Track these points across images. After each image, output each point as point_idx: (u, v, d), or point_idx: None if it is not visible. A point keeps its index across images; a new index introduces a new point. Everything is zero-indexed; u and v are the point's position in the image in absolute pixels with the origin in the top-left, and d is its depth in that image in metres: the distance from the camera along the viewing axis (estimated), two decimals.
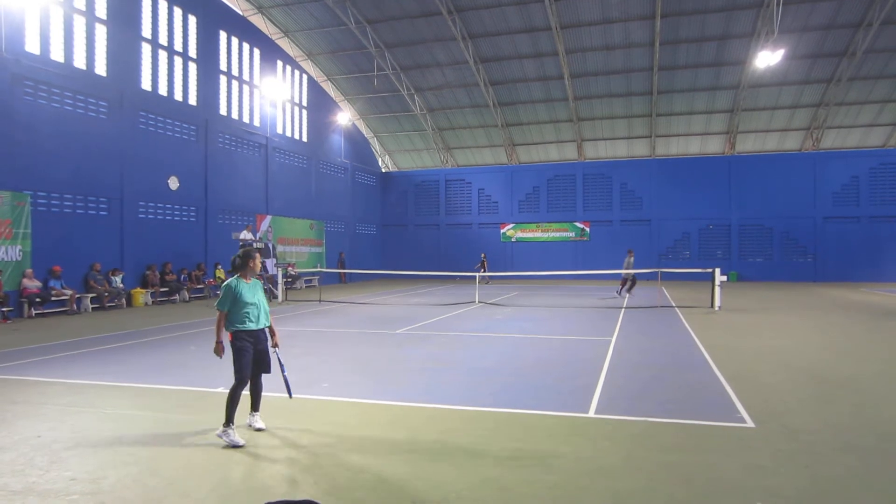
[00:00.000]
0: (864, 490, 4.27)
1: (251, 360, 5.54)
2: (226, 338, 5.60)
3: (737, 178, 31.26)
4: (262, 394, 5.86)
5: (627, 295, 20.90)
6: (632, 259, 21.35)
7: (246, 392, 5.59)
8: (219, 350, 5.59)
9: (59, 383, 7.72)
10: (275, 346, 5.83)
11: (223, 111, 23.59)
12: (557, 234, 33.90)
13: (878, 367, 8.76)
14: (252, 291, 5.63)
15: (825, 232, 30.29)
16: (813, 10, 24.72)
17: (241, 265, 5.71)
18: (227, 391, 5.45)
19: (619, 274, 22.50)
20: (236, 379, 5.45)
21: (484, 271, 28.81)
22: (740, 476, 4.48)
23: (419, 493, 4.19)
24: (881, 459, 4.86)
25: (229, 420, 5.30)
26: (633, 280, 21.23)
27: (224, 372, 6.91)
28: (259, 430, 5.63)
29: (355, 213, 34.04)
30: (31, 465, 4.74)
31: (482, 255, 30.69)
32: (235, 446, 5.16)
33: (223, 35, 23.72)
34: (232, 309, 5.52)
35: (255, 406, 5.77)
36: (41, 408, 6.50)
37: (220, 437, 5.27)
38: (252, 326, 5.57)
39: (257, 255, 5.78)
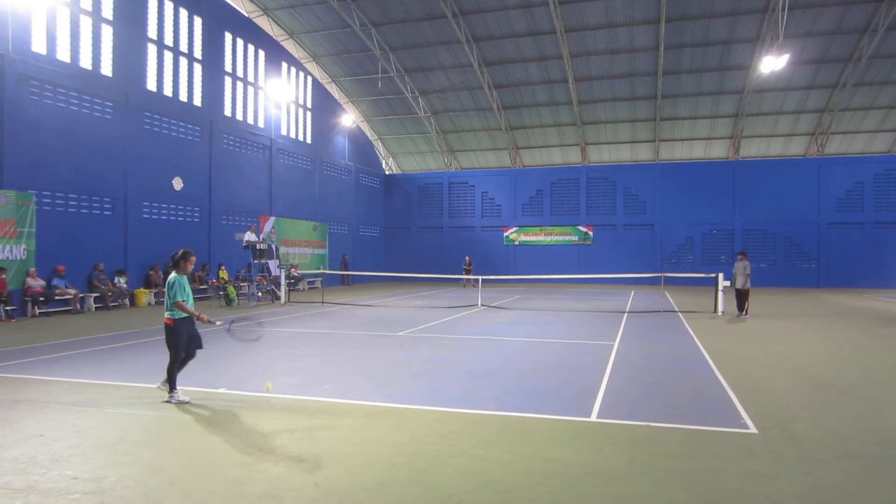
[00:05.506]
0: (866, 498, 4.25)
1: (185, 343, 6.81)
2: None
3: (741, 183, 31.20)
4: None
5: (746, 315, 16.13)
6: (741, 263, 16.44)
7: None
8: (202, 318, 6.79)
9: (62, 382, 7.74)
10: (205, 319, 6.93)
11: (228, 112, 23.66)
12: (560, 238, 33.87)
13: (882, 373, 8.72)
14: (187, 285, 6.90)
15: (829, 237, 30.19)
16: (818, 15, 24.68)
17: (177, 262, 6.89)
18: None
19: (626, 278, 20.52)
20: (172, 358, 6.71)
21: (469, 270, 28.77)
22: (742, 482, 4.47)
23: (420, 496, 4.18)
24: (884, 467, 4.84)
25: (173, 387, 6.72)
26: (739, 291, 16.41)
27: (225, 374, 6.94)
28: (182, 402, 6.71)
29: (358, 216, 34.06)
30: (34, 464, 4.75)
31: (466, 258, 30.69)
32: (182, 402, 6.62)
33: (228, 36, 23.80)
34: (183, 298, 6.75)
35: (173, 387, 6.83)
36: (44, 406, 6.51)
37: (169, 401, 6.63)
38: (186, 314, 6.78)
39: (193, 256, 7.08)
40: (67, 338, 11.79)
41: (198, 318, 6.82)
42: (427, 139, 36.04)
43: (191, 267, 7.01)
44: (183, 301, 6.71)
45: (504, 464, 4.82)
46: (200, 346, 7.04)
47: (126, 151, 18.84)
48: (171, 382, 6.74)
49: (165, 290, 6.80)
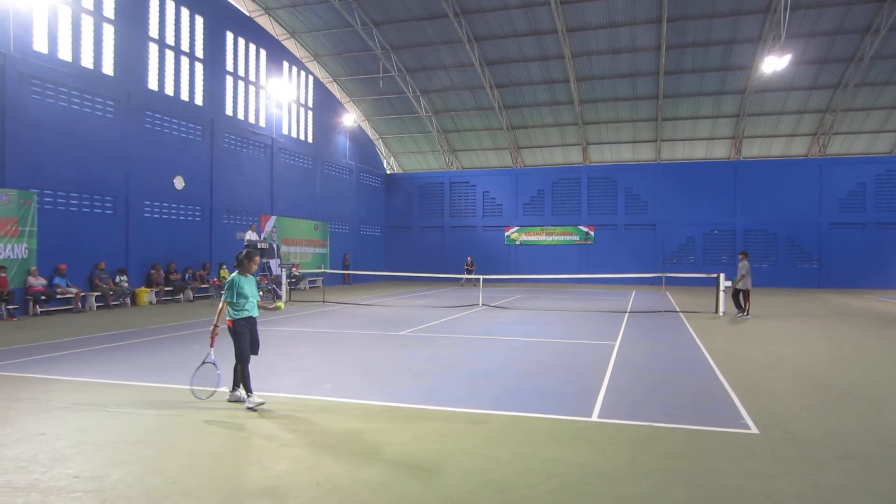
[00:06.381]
0: (867, 498, 4.24)
1: (250, 342, 6.62)
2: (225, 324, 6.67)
3: (742, 184, 31.18)
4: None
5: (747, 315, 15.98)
6: (746, 263, 16.29)
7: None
8: (214, 332, 6.74)
9: (64, 381, 7.75)
10: (278, 307, 7.23)
11: (229, 111, 23.66)
12: (562, 238, 33.86)
13: (883, 374, 8.72)
14: (249, 285, 6.73)
15: (831, 238, 30.17)
16: (820, 15, 24.66)
17: (241, 262, 6.77)
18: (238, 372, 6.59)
19: (627, 278, 20.20)
20: (239, 359, 6.52)
21: (471, 271, 28.78)
22: (743, 482, 4.47)
23: (421, 496, 4.18)
24: (885, 467, 4.84)
25: (248, 390, 6.46)
26: (738, 291, 16.30)
27: (225, 372, 6.93)
28: (242, 400, 6.60)
29: (359, 215, 34.08)
30: (35, 463, 4.76)
31: (468, 259, 30.62)
32: (258, 406, 6.37)
33: (230, 35, 23.80)
34: (232, 300, 6.61)
35: (236, 385, 6.69)
36: (45, 405, 6.52)
37: (249, 408, 6.37)
38: (247, 314, 6.65)
39: (257, 256, 6.93)
40: (69, 336, 11.80)
41: (212, 329, 6.72)
42: (428, 138, 36.04)
43: (254, 267, 6.82)
44: (228, 302, 6.54)
45: (504, 463, 4.82)
46: (255, 352, 6.71)
47: (127, 150, 18.86)
48: (245, 386, 6.46)
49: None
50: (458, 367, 8.86)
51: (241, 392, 6.62)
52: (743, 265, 16.26)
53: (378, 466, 4.74)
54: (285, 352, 10.17)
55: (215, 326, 6.69)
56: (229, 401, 6.67)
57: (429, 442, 5.37)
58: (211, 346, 6.80)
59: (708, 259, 31.37)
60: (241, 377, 6.49)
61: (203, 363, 6.85)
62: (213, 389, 6.77)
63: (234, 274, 6.73)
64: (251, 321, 6.68)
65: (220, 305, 6.62)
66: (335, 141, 31.77)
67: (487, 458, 4.94)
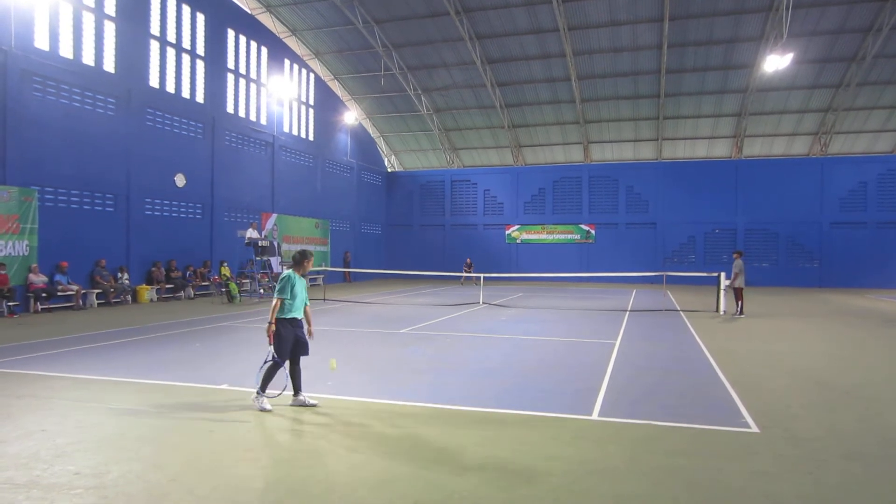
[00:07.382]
0: (867, 497, 4.24)
1: (290, 345, 6.42)
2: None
3: (743, 183, 31.14)
4: (271, 392, 6.52)
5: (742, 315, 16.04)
6: (740, 262, 16.68)
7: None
8: (270, 330, 6.38)
9: (65, 378, 7.76)
10: (310, 334, 6.71)
11: (230, 109, 23.65)
12: (562, 237, 33.84)
13: (884, 374, 8.71)
14: (301, 286, 6.56)
15: (832, 237, 30.14)
16: (823, 14, 24.61)
17: (298, 261, 6.64)
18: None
19: (628, 277, 20.07)
20: (274, 360, 6.34)
21: (470, 272, 28.79)
22: (744, 482, 4.47)
23: (421, 494, 4.18)
24: (885, 467, 4.83)
25: (263, 389, 6.31)
26: (734, 290, 16.50)
27: (227, 370, 6.94)
28: (312, 405, 6.41)
29: (360, 213, 34.07)
30: (36, 459, 4.77)
31: (467, 260, 30.63)
32: (264, 410, 6.18)
33: (231, 33, 23.78)
34: (288, 297, 6.41)
35: (297, 389, 6.49)
36: (46, 402, 6.53)
37: (253, 401, 6.30)
38: (292, 315, 6.47)
39: (312, 257, 6.79)
40: (70, 334, 11.81)
41: (268, 328, 6.42)
42: (429, 137, 36.02)
43: (309, 267, 6.68)
44: (282, 299, 6.36)
45: (505, 461, 4.82)
46: (306, 353, 6.56)
47: (128, 148, 18.85)
48: (263, 385, 6.32)
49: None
50: (459, 366, 8.86)
51: (304, 395, 6.48)
52: (737, 264, 16.45)
53: (378, 465, 4.74)
54: None
55: (270, 324, 6.40)
56: (292, 405, 6.44)
57: (429, 439, 5.37)
58: (270, 344, 6.47)
59: (709, 258, 31.33)
60: (267, 375, 6.33)
61: (265, 363, 6.56)
62: (279, 392, 6.51)
63: (288, 271, 6.56)
64: (295, 322, 6.50)
65: (274, 302, 6.39)
66: (336, 139, 31.76)
67: (487, 456, 4.94)
